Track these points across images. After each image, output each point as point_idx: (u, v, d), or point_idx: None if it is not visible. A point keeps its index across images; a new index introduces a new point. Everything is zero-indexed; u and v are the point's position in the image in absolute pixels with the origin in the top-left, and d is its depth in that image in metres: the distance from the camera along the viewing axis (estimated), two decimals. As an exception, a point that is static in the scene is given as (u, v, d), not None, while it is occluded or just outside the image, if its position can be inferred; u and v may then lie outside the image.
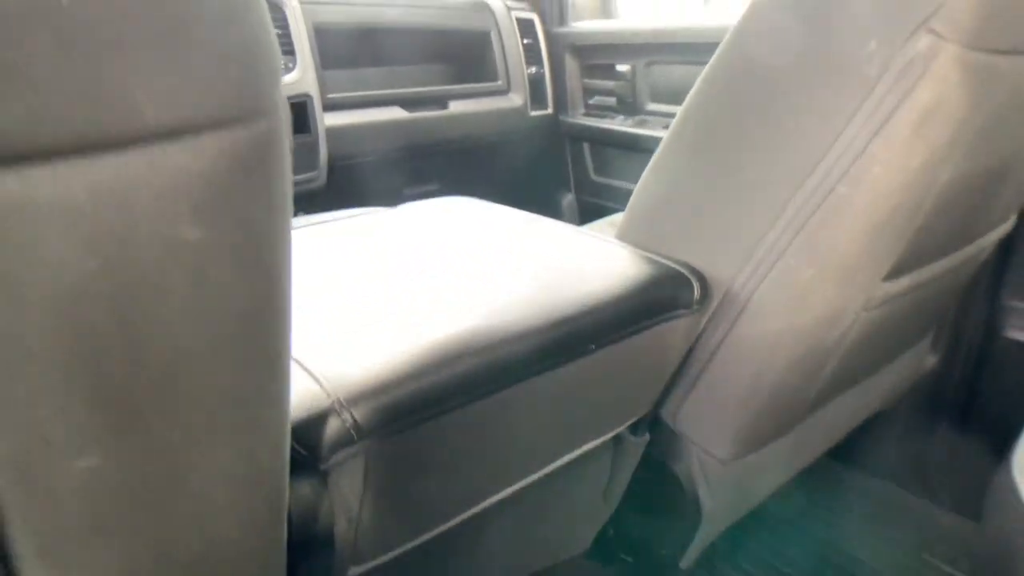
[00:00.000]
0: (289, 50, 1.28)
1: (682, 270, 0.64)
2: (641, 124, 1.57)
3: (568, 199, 1.82)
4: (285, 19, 1.28)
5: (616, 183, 1.67)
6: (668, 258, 0.67)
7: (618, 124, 1.60)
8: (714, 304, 0.66)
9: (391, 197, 1.67)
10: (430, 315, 0.54)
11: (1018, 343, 1.03)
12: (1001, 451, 0.64)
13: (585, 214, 1.79)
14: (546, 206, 1.85)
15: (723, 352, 0.68)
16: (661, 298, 0.62)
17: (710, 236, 0.67)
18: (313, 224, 0.79)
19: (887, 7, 0.52)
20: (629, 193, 1.60)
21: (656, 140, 1.48)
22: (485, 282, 0.61)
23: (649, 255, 0.67)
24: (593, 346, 0.57)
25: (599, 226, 1.33)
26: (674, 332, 0.64)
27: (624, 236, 0.75)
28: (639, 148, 1.55)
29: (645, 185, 0.73)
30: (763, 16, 0.61)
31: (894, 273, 0.67)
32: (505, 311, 0.55)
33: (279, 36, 1.26)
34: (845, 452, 1.10)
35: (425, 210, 0.85)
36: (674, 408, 0.75)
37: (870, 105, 0.53)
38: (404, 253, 0.69)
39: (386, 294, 0.59)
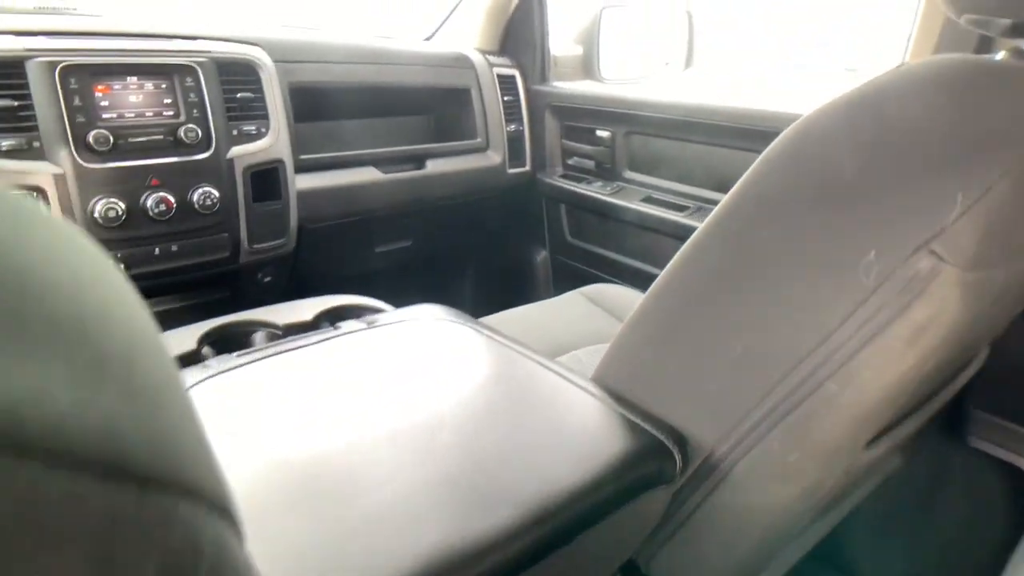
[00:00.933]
0: (263, 114, 1.23)
1: (665, 440, 0.63)
2: (619, 192, 1.56)
3: (542, 256, 1.80)
4: (259, 82, 1.23)
5: (591, 248, 1.66)
6: (650, 419, 0.65)
7: (595, 190, 1.59)
8: (693, 467, 0.65)
9: (363, 257, 1.64)
10: (406, 513, 0.52)
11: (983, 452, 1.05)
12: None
13: (559, 274, 1.78)
14: (520, 263, 1.84)
15: (700, 514, 0.67)
16: (645, 475, 0.61)
17: (695, 397, 0.65)
18: (263, 357, 0.75)
19: (891, 220, 0.51)
20: (603, 259, 1.62)
21: (633, 212, 1.50)
22: (461, 461, 0.58)
23: (631, 417, 0.65)
24: (574, 536, 0.55)
25: (573, 298, 1.32)
26: (651, 501, 0.63)
27: (606, 374, 0.73)
28: (615, 216, 1.54)
29: (636, 323, 0.71)
30: (770, 182, 0.60)
31: (875, 440, 0.66)
32: (487, 510, 0.52)
33: (253, 100, 1.22)
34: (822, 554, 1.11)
35: (391, 339, 0.82)
36: (648, 555, 0.73)
37: (864, 313, 0.52)
38: (369, 412, 0.66)
39: (351, 478, 0.55)
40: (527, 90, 1.71)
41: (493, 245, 1.88)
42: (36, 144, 1.02)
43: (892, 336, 0.52)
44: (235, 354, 0.80)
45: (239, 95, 1.20)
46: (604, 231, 1.61)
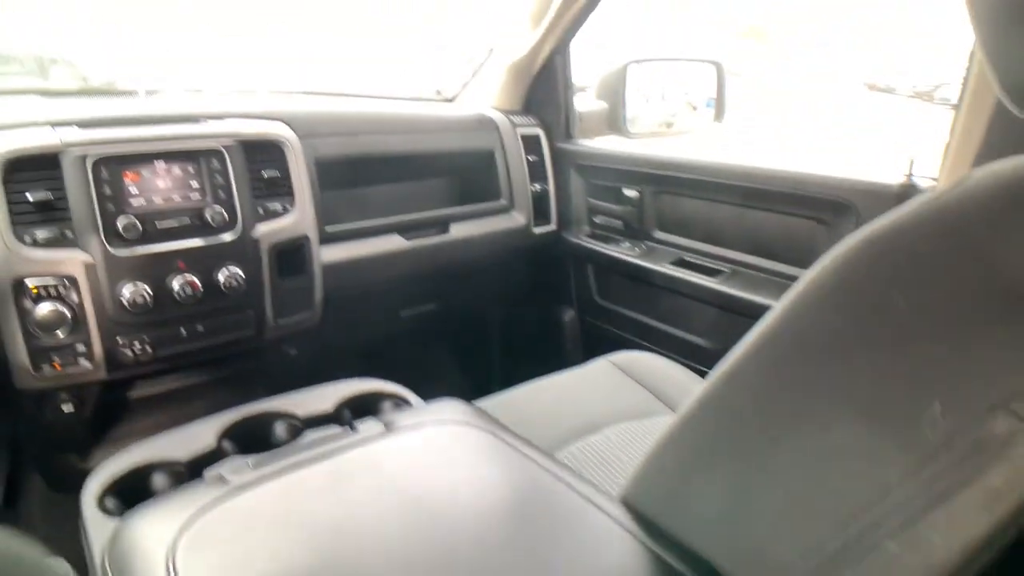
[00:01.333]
0: (288, 191, 1.24)
1: None
2: (648, 253, 1.53)
3: (570, 317, 1.77)
4: (285, 159, 1.24)
5: (620, 309, 1.63)
6: (683, 555, 0.61)
7: (624, 251, 1.56)
8: None
9: (388, 321, 1.63)
10: None
11: None
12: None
13: (588, 335, 1.75)
14: (547, 324, 1.81)
15: None
16: None
17: (733, 537, 0.60)
18: (278, 471, 0.73)
19: (959, 370, 0.46)
20: (633, 322, 1.58)
21: (663, 275, 1.46)
22: None
23: (663, 554, 0.61)
24: None
25: (603, 368, 1.28)
26: None
27: (635, 494, 0.69)
28: (644, 279, 1.51)
29: (670, 444, 0.66)
30: (814, 312, 0.54)
31: None
32: None
33: (279, 178, 1.22)
34: None
35: (409, 453, 0.79)
36: None
37: (930, 471, 0.47)
38: (384, 539, 0.63)
39: None
40: (552, 149, 1.70)
41: (520, 305, 1.86)
42: (69, 234, 1.04)
43: (964, 500, 0.46)
44: (251, 460, 0.78)
45: (265, 174, 1.21)
46: (634, 293, 1.57)
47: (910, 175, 1.12)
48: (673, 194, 1.51)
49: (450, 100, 1.84)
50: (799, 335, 0.55)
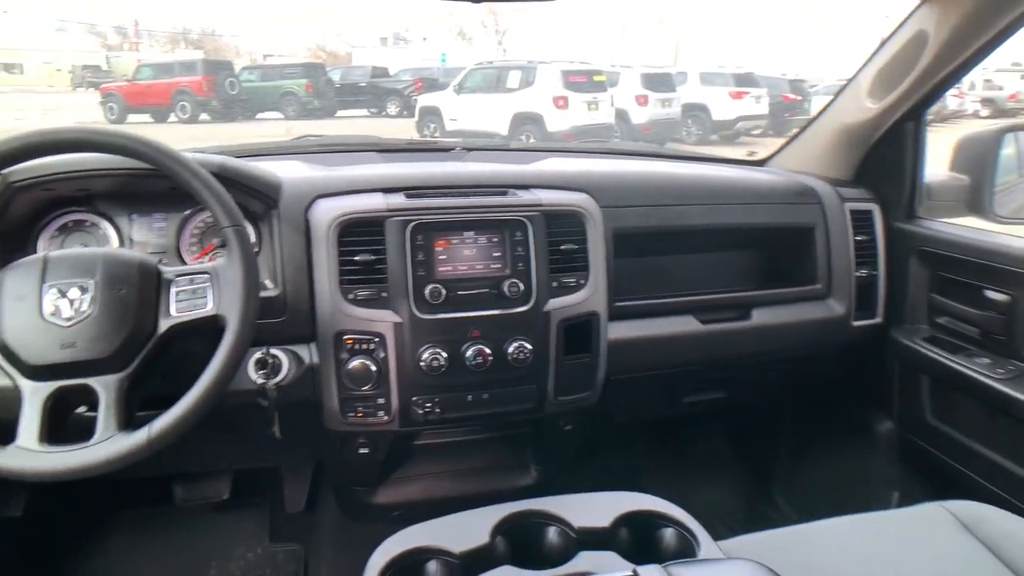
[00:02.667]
0: (583, 266, 1.19)
1: None
2: (1018, 379, 1.18)
3: (887, 430, 1.46)
4: (584, 233, 1.19)
5: (964, 440, 1.29)
6: None
7: (980, 369, 1.23)
8: None
9: (667, 405, 1.51)
10: None
11: None
12: None
13: (909, 461, 1.42)
14: (853, 436, 1.52)
15: None
16: None
17: None
18: None
19: None
20: (982, 459, 1.23)
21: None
22: None
23: None
24: None
25: (936, 516, 0.99)
26: None
27: None
28: (1010, 412, 1.17)
29: None
30: None
31: None
32: None
33: (576, 252, 1.18)
34: None
35: None
36: None
37: None
38: None
39: None
40: (887, 228, 1.42)
41: (821, 408, 1.59)
42: (384, 295, 1.10)
43: None
44: None
45: (563, 247, 1.17)
46: (989, 425, 1.23)
47: None
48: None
49: (762, 163, 1.66)
50: None
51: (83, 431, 0.82)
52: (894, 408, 1.45)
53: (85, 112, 13.99)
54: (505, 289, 1.13)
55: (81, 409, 0.91)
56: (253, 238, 1.11)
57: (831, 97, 1.51)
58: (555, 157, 1.54)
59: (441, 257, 1.12)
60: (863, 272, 1.40)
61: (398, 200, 1.14)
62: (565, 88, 9.71)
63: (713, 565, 0.73)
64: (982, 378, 1.21)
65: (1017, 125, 1.41)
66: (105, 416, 0.83)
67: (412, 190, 1.19)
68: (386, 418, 1.13)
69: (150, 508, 1.59)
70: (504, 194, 1.20)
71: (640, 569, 0.75)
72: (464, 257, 1.13)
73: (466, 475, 1.40)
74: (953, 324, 1.34)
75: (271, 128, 13.00)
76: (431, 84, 14.07)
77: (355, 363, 1.09)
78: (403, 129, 11.78)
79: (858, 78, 1.37)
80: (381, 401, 1.12)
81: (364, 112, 15.50)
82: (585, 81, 10.00)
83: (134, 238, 1.16)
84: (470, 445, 1.39)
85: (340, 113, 15.18)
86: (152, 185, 1.09)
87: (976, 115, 14.35)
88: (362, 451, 1.23)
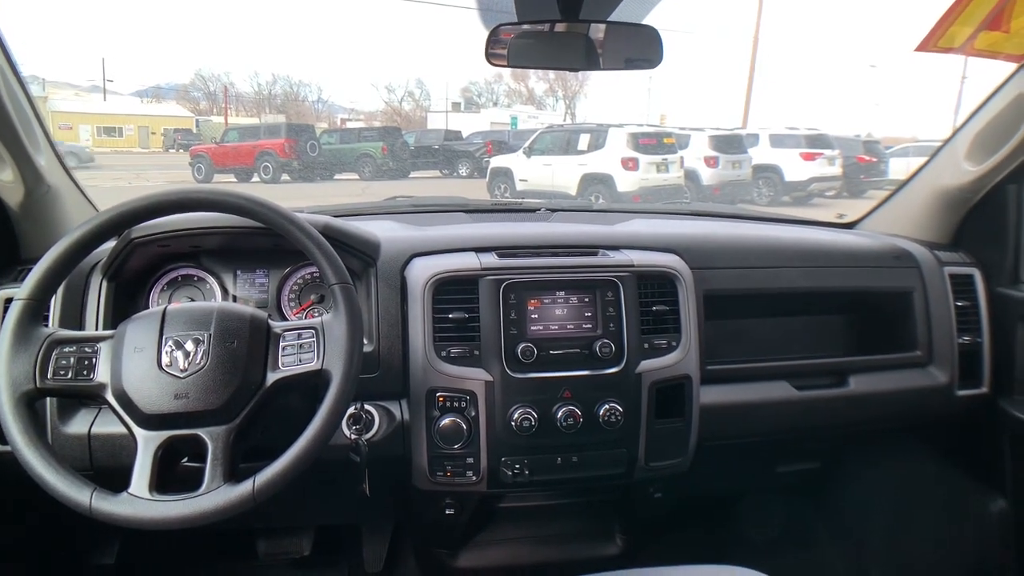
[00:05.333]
0: (675, 327, 1.18)
1: None
2: None
3: (1000, 508, 1.37)
4: (676, 294, 1.19)
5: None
6: None
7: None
8: None
9: (760, 475, 1.46)
10: None
11: None
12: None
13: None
14: (959, 515, 1.42)
15: None
16: None
17: None
18: None
19: None
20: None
21: None
22: None
23: None
24: None
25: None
26: None
27: None
28: None
29: None
30: None
31: None
32: None
33: (667, 313, 1.18)
34: None
35: None
36: None
37: None
38: None
39: None
40: (990, 293, 1.37)
41: (925, 484, 1.50)
42: (476, 353, 1.12)
43: None
44: None
45: (654, 308, 1.18)
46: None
47: None
48: None
49: (852, 225, 1.63)
50: None
51: (187, 481, 0.84)
52: (1007, 486, 1.36)
53: (175, 173, 15.01)
54: (597, 350, 1.13)
55: (184, 460, 0.94)
56: None
57: (909, 158, 1.49)
58: (640, 218, 1.55)
59: (533, 316, 1.14)
60: (966, 339, 1.34)
61: (491, 259, 1.17)
62: (634, 150, 9.83)
63: None
64: None
65: None
66: (212, 467, 0.85)
67: (504, 249, 1.22)
68: (474, 478, 1.13)
69: (234, 562, 1.61)
70: (595, 254, 1.22)
71: None
72: (556, 317, 1.14)
73: (549, 541, 1.38)
74: None
75: (347, 188, 13.56)
76: (501, 147, 14.47)
77: (446, 421, 1.10)
78: (474, 189, 12.11)
79: (955, 141, 1.35)
80: (470, 461, 1.12)
81: (436, 173, 16.04)
82: (654, 143, 10.10)
83: (237, 293, 1.21)
84: (554, 510, 1.37)
85: (413, 174, 15.74)
86: (256, 243, 1.16)
87: None
88: (448, 512, 1.22)
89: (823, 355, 1.33)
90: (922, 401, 1.32)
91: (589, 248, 1.24)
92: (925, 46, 1.15)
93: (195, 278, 1.22)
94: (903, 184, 1.53)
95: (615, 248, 1.25)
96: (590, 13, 1.05)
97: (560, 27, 1.14)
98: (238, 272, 1.23)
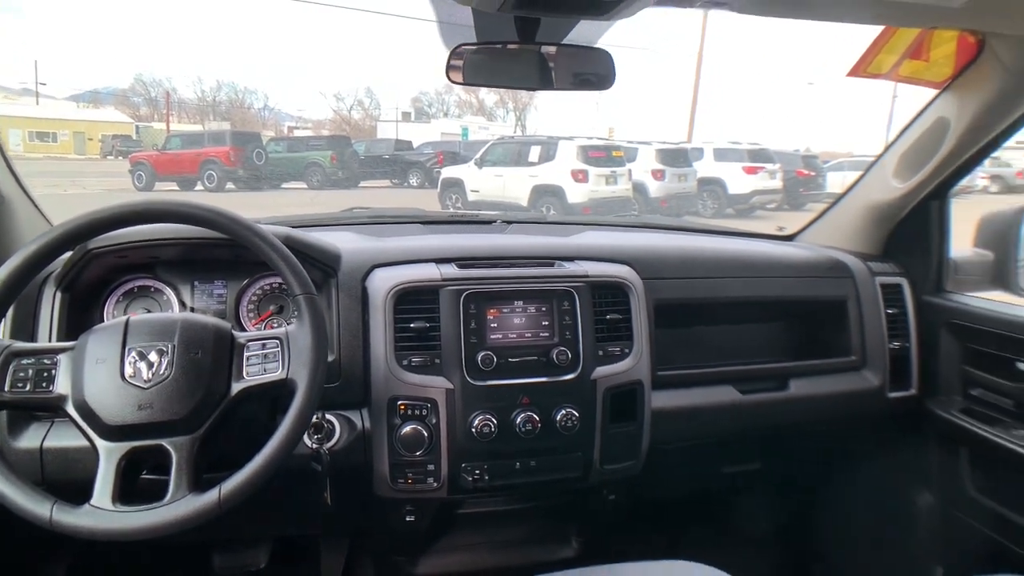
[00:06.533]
0: (628, 335, 1.24)
1: None
2: (1056, 450, 1.20)
3: (928, 504, 1.46)
4: (628, 303, 1.25)
5: (1010, 515, 1.29)
6: None
7: (1018, 441, 1.25)
8: None
9: (706, 477, 1.52)
10: None
11: None
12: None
13: (953, 534, 1.42)
14: (892, 510, 1.52)
15: None
16: None
17: None
18: None
19: None
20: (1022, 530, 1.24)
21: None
22: None
23: None
24: None
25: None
26: None
27: None
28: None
29: None
30: None
31: None
32: None
33: (620, 321, 1.23)
34: None
35: None
36: None
37: None
38: None
39: None
40: (917, 301, 1.47)
41: (859, 481, 1.60)
42: (437, 361, 1.14)
43: None
44: None
45: (608, 317, 1.22)
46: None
47: None
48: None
49: (791, 238, 1.73)
50: None
51: (150, 493, 0.84)
52: (934, 481, 1.45)
53: (114, 180, 14.49)
54: (554, 357, 1.17)
55: (148, 471, 0.93)
56: None
57: (844, 172, 1.59)
58: (592, 231, 1.61)
59: (492, 325, 1.17)
60: (896, 344, 1.44)
61: (451, 270, 1.20)
62: (584, 162, 10.01)
63: None
64: (1021, 450, 1.23)
65: (1039, 205, 1.46)
66: (177, 476, 0.84)
67: (463, 260, 1.25)
68: (435, 485, 1.15)
69: None
70: (551, 265, 1.26)
71: None
72: (514, 326, 1.18)
73: (506, 546, 1.41)
74: (987, 396, 1.36)
75: (295, 197, 13.36)
76: (452, 157, 14.50)
77: (407, 428, 1.12)
78: (425, 199, 12.10)
79: (883, 159, 1.45)
80: (431, 467, 1.14)
81: (386, 183, 15.94)
82: (603, 156, 10.31)
83: (195, 304, 1.21)
84: (511, 515, 1.40)
85: (363, 183, 15.61)
86: (215, 254, 1.16)
87: (985, 191, 14.59)
88: (408, 519, 1.24)
89: (766, 360, 1.41)
90: (856, 402, 1.41)
91: (545, 259, 1.29)
92: (856, 72, 1.25)
93: (152, 289, 1.21)
94: (837, 199, 1.63)
95: (570, 259, 1.29)
96: (546, 36, 1.10)
97: (517, 48, 1.18)
98: (196, 283, 1.22)
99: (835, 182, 11.85)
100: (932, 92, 1.32)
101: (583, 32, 1.11)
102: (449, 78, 1.17)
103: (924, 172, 1.36)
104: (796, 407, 1.37)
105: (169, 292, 1.21)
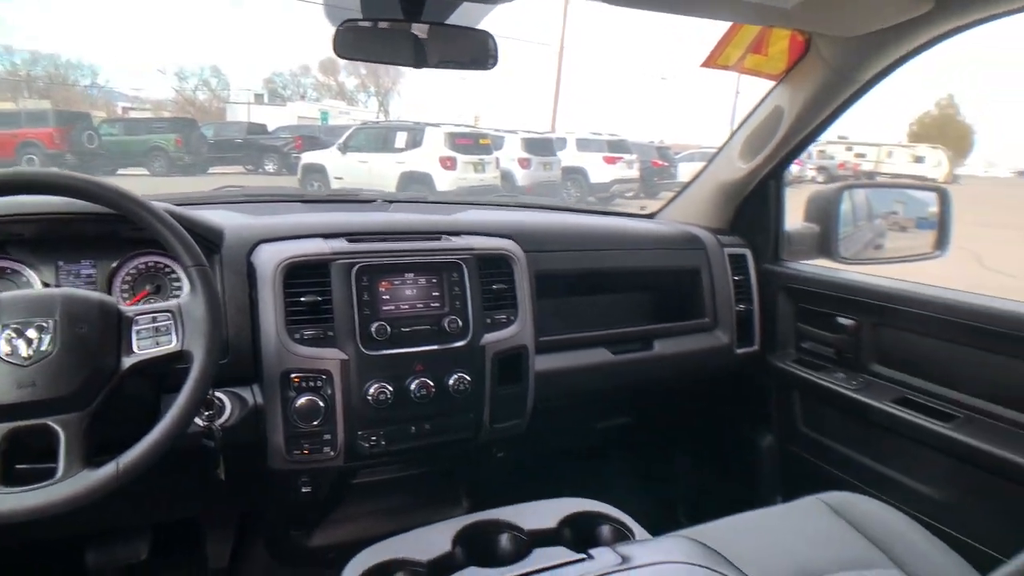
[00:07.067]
0: (512, 303, 1.32)
1: None
2: (865, 387, 1.44)
3: (768, 442, 1.69)
4: (512, 274, 1.33)
5: (829, 443, 1.52)
6: None
7: (837, 382, 1.48)
8: None
9: (584, 432, 1.65)
10: None
11: None
12: None
13: (789, 466, 1.65)
14: (743, 448, 1.74)
15: None
16: None
17: None
18: None
19: None
20: (844, 457, 1.47)
21: (883, 413, 1.36)
22: None
23: None
24: None
25: (814, 507, 1.19)
26: None
27: None
28: (861, 414, 1.41)
29: None
30: None
31: None
32: None
33: (506, 291, 1.31)
34: None
35: None
36: None
37: None
38: None
39: None
40: (758, 269, 1.68)
41: (715, 426, 1.80)
42: (330, 333, 1.16)
43: None
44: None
45: (495, 286, 1.30)
46: (846, 428, 1.47)
47: None
48: (897, 327, 1.42)
49: (652, 216, 1.89)
50: None
51: (36, 479, 0.80)
52: (773, 422, 1.68)
53: (-89, 163, 12.62)
54: (445, 325, 1.23)
55: (31, 460, 0.89)
56: None
57: (695, 162, 1.78)
58: (473, 209, 1.68)
59: (384, 297, 1.21)
60: (742, 307, 1.64)
61: (341, 244, 1.22)
62: (452, 149, 10.06)
63: (654, 542, 0.86)
64: (839, 388, 1.46)
65: (851, 184, 1.72)
66: (67, 454, 0.82)
67: (352, 235, 1.27)
68: (332, 453, 1.17)
69: None
70: (439, 239, 1.32)
71: (593, 552, 0.86)
72: (406, 297, 1.22)
73: (400, 511, 1.45)
74: (815, 347, 1.59)
75: (135, 184, 12.27)
76: (312, 143, 14.00)
77: (302, 400, 1.14)
78: (285, 186, 11.60)
79: (731, 142, 1.64)
80: (327, 437, 1.16)
81: (239, 168, 15.08)
82: (471, 143, 10.41)
83: (60, 285, 1.14)
84: (405, 482, 1.45)
85: (212, 169, 14.67)
86: (78, 230, 1.10)
87: (813, 180, 16.66)
88: (304, 490, 1.25)
89: (633, 324, 1.55)
90: (710, 358, 1.59)
91: (432, 234, 1.34)
92: (709, 63, 1.40)
93: (7, 271, 1.12)
94: (692, 180, 1.81)
95: (456, 234, 1.35)
96: (431, 15, 1.14)
97: (399, 25, 1.22)
98: (60, 263, 1.14)
99: (686, 172, 12.83)
100: (771, 84, 1.52)
101: (470, 13, 1.17)
102: (336, 53, 1.19)
103: (764, 154, 1.55)
104: (660, 364, 1.53)
105: (29, 273, 1.12)
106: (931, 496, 1.31)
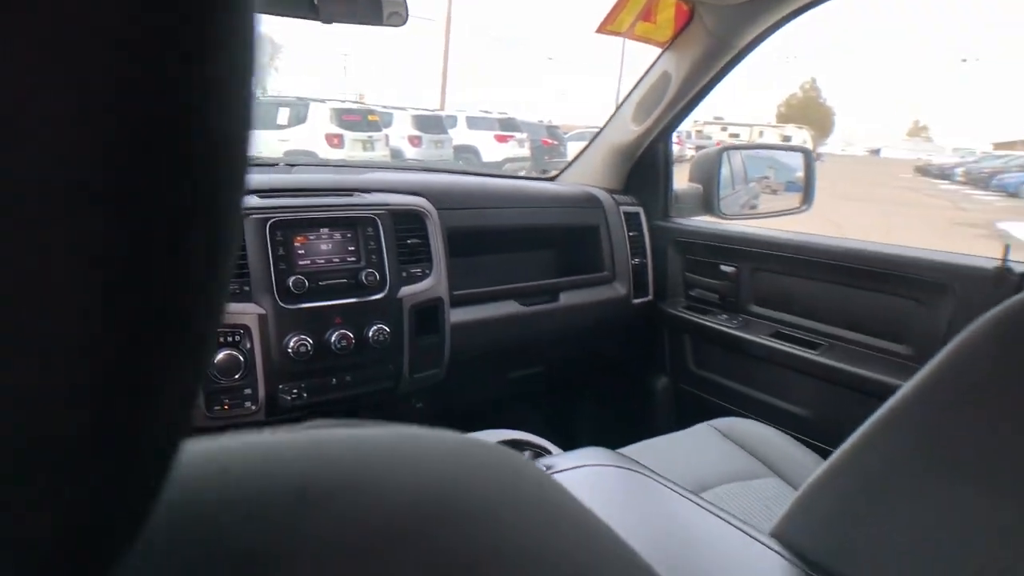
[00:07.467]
0: (427, 257, 1.37)
1: None
2: (745, 326, 1.61)
3: (664, 383, 1.84)
4: (426, 229, 1.38)
5: (716, 378, 1.69)
6: None
7: (721, 323, 1.65)
8: None
9: (498, 382, 1.73)
10: None
11: None
12: None
13: (683, 403, 1.81)
14: (642, 391, 1.88)
15: None
16: None
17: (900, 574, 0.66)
18: None
19: None
20: (728, 390, 1.65)
21: (761, 346, 1.54)
22: None
23: None
24: None
25: (705, 431, 1.34)
26: None
27: (789, 531, 0.75)
28: (742, 349, 1.58)
29: (826, 484, 0.71)
30: (976, 367, 0.59)
31: None
32: None
33: (420, 245, 1.35)
34: None
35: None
36: None
37: None
38: None
39: None
40: (650, 226, 1.81)
41: (617, 372, 1.94)
42: (247, 288, 1.17)
43: None
44: None
45: (409, 241, 1.34)
46: (730, 363, 1.64)
47: (1005, 260, 1.19)
48: (770, 271, 1.59)
49: (553, 178, 1.99)
50: (964, 385, 0.61)
51: None
52: (667, 365, 1.83)
53: None
54: (363, 279, 1.26)
55: None
56: None
57: (583, 141, 1.88)
58: (379, 172, 1.70)
59: (300, 252, 1.22)
60: (637, 260, 1.77)
61: (252, 200, 1.22)
62: (339, 126, 9.78)
63: (574, 453, 0.95)
64: (723, 328, 1.62)
65: (729, 145, 1.89)
66: None
67: (263, 192, 1.27)
68: (253, 408, 1.18)
69: None
70: (352, 195, 1.34)
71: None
72: (322, 251, 1.24)
73: None
74: (701, 294, 1.75)
75: None
76: (187, 120, 13.09)
77: (221, 355, 1.14)
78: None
79: (624, 106, 1.75)
80: (248, 391, 1.17)
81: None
82: (359, 120, 10.16)
83: None
84: None
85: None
86: None
87: (693, 159, 17.68)
88: None
89: (540, 279, 1.64)
90: (610, 308, 1.71)
91: (345, 191, 1.36)
92: (602, 28, 1.50)
93: None
94: (590, 143, 1.92)
95: (368, 191, 1.38)
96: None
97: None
98: None
99: (574, 150, 13.13)
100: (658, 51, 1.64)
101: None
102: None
103: (653, 116, 1.68)
104: (566, 315, 1.63)
105: None
106: (802, 415, 1.49)
